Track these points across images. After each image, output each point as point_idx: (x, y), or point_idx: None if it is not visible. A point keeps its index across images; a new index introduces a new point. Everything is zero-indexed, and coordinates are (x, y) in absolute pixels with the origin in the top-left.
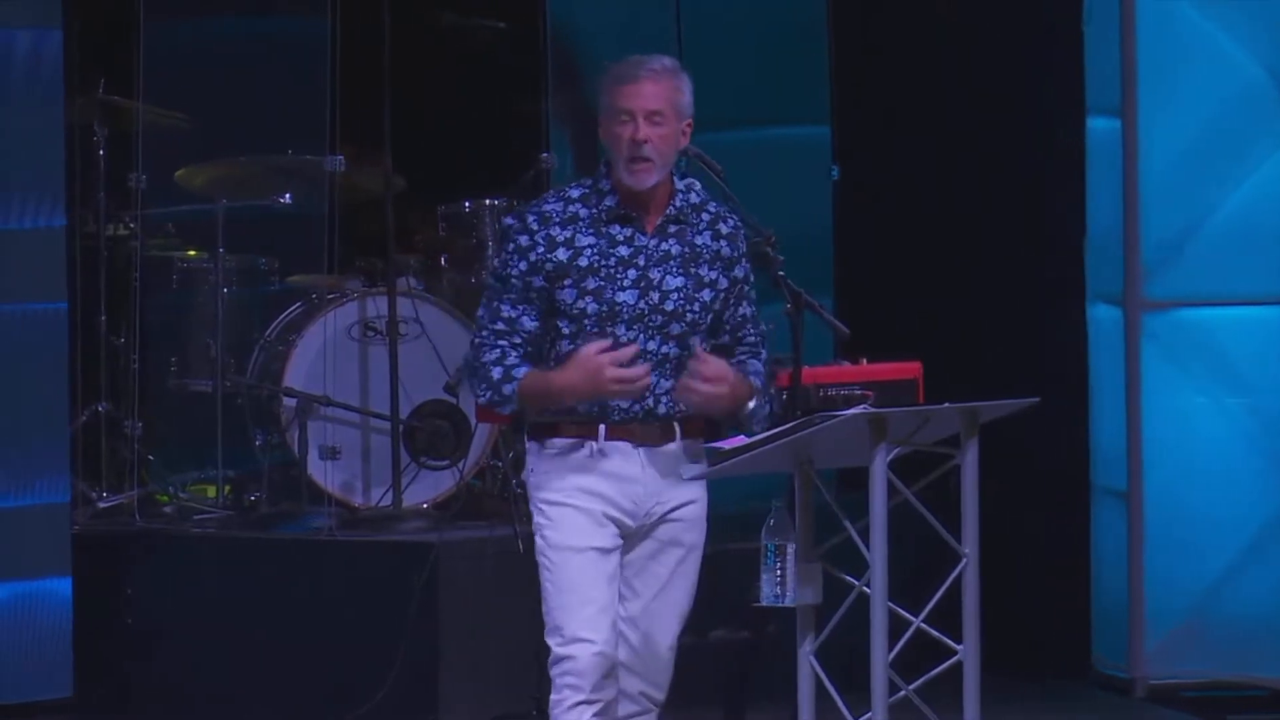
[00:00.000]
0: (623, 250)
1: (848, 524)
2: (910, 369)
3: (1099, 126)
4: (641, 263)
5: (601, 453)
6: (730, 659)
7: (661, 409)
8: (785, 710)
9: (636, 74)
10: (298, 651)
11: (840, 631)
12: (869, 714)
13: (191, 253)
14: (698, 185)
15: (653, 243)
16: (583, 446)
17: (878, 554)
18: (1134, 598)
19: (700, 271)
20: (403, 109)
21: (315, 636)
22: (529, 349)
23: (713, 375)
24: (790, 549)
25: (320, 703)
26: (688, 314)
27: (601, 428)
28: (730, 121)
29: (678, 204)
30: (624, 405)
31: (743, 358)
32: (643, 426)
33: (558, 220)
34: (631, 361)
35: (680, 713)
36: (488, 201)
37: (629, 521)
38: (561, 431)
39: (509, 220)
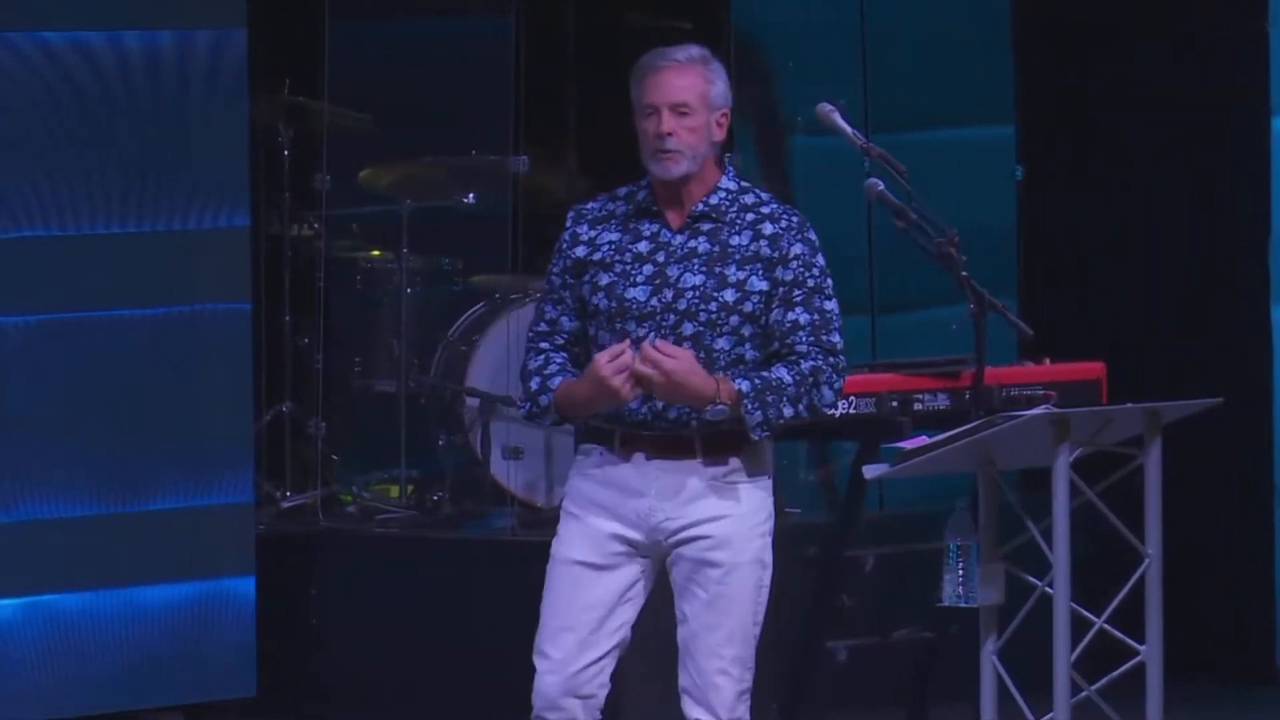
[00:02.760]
0: (642, 246)
1: (1030, 524)
2: (1093, 369)
3: None
4: (660, 259)
5: (613, 462)
6: (913, 659)
7: (672, 414)
8: (967, 710)
9: (658, 66)
10: (480, 651)
11: (1022, 632)
12: (1051, 714)
13: (375, 253)
14: (766, 194)
15: (679, 239)
16: (598, 455)
17: (1060, 554)
18: None
19: (726, 271)
20: (586, 109)
21: (498, 636)
22: (574, 349)
23: (648, 358)
24: (973, 549)
25: (502, 702)
26: (701, 313)
27: (618, 435)
28: (914, 122)
29: (714, 200)
30: (634, 407)
31: (775, 364)
32: (655, 437)
33: (589, 218)
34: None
35: (863, 712)
36: None
37: (638, 535)
38: (586, 438)
39: None
